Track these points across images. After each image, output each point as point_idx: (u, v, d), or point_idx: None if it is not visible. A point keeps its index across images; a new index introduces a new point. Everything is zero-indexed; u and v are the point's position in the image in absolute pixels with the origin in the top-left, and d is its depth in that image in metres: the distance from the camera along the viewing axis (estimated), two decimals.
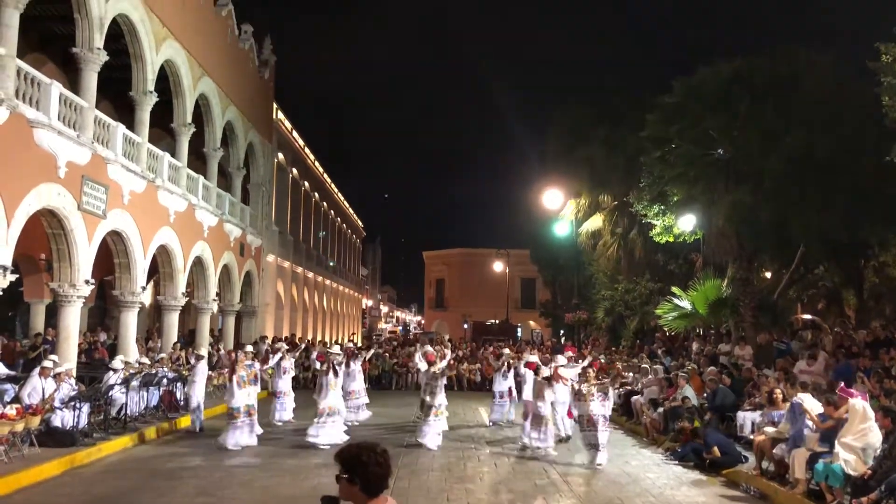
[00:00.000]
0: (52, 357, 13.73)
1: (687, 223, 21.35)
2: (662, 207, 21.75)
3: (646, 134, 20.98)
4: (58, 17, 18.15)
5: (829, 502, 8.95)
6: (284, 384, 17.36)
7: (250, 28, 27.56)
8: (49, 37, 19.54)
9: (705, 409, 14.46)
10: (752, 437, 12.40)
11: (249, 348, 16.52)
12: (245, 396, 13.92)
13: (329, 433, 13.74)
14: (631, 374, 19.84)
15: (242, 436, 13.64)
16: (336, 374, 14.32)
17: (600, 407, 12.77)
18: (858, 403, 9.27)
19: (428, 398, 14.26)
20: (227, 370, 14.50)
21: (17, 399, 12.37)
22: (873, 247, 21.43)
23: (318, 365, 15.94)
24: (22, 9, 13.29)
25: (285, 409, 17.19)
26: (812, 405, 10.48)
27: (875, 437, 8.93)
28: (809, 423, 10.14)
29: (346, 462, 3.31)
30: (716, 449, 11.99)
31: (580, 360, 16.34)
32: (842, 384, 10.57)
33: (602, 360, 20.18)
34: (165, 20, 19.14)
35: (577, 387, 13.46)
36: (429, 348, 16.77)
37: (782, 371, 14.42)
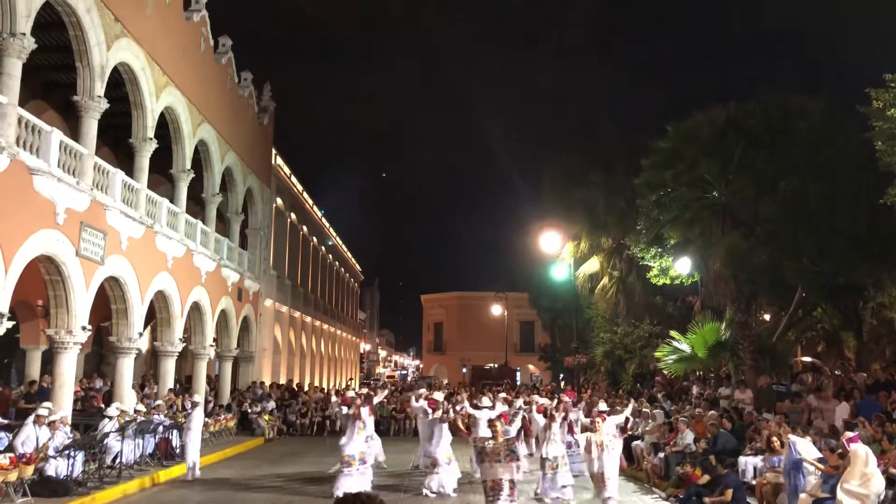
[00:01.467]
0: (46, 404, 13.60)
1: (684, 266, 21.40)
2: (659, 250, 21.82)
3: (640, 181, 21.17)
4: (59, 66, 18.40)
5: None
6: None
7: (250, 75, 27.93)
8: (50, 84, 19.78)
9: (707, 454, 14.30)
10: (753, 482, 12.27)
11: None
12: (361, 442, 13.46)
13: (360, 483, 12.84)
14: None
15: (355, 484, 12.64)
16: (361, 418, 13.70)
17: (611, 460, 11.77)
18: (861, 449, 9.19)
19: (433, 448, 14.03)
20: (349, 413, 13.67)
21: (10, 448, 12.24)
22: (869, 288, 21.44)
23: (344, 409, 14.50)
24: (24, 58, 13.48)
25: None
26: (806, 448, 10.42)
27: (878, 484, 8.84)
28: (810, 466, 10.06)
29: None
30: (729, 492, 11.76)
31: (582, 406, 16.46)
32: (844, 432, 10.50)
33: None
34: (166, 68, 19.39)
35: (586, 439, 12.25)
36: (426, 393, 16.63)
37: (783, 415, 14.33)
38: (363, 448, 13.51)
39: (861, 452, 9.11)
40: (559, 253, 31.71)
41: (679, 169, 19.63)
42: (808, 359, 24.92)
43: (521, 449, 11.24)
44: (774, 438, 12.20)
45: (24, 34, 13.24)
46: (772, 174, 18.28)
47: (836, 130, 18.05)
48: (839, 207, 17.25)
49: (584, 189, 28.90)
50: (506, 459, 9.86)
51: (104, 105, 16.25)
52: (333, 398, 19.50)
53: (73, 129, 17.02)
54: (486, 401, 15.95)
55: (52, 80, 19.61)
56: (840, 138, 17.79)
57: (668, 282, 23.00)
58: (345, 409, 14.42)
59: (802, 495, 9.99)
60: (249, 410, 24.62)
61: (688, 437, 14.93)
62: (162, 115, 19.69)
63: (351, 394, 15.51)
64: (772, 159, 18.39)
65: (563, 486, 13.27)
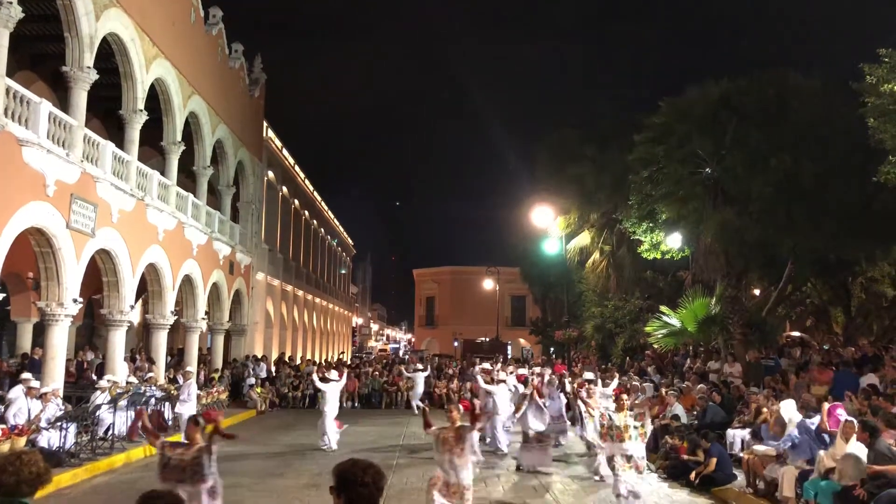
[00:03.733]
0: (27, 375, 13.63)
1: (675, 241, 21.46)
2: (651, 225, 21.87)
3: (633, 157, 21.16)
4: (48, 36, 18.17)
5: None
6: None
7: (241, 47, 27.62)
8: (39, 55, 19.55)
9: (695, 427, 14.47)
10: (741, 454, 12.42)
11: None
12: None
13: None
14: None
15: None
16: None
17: (639, 447, 10.64)
18: (846, 420, 9.31)
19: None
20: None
21: (2, 419, 12.27)
22: (860, 263, 21.59)
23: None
24: (12, 28, 13.30)
25: None
26: (790, 410, 10.61)
27: (861, 453, 8.96)
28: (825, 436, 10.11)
29: (336, 476, 3.40)
30: (713, 461, 11.91)
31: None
32: (829, 402, 10.63)
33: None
34: (156, 39, 19.18)
35: (606, 418, 10.97)
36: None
37: (770, 388, 14.47)
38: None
39: (854, 426, 9.22)
40: (551, 227, 31.78)
41: (671, 145, 19.64)
42: (796, 333, 25.11)
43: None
44: (765, 409, 12.25)
45: (10, 3, 13.03)
46: (765, 151, 18.29)
47: (830, 108, 18.06)
48: (831, 184, 17.31)
49: (576, 164, 28.91)
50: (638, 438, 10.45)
51: (93, 76, 16.08)
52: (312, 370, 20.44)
53: (62, 100, 16.88)
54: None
55: (40, 51, 19.37)
56: (834, 116, 17.80)
57: (658, 256, 23.10)
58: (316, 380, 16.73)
59: (788, 467, 10.12)
60: (244, 383, 24.77)
61: (677, 409, 15.08)
62: (152, 86, 19.51)
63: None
64: (765, 136, 18.40)
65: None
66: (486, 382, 17.03)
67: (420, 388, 24.54)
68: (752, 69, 19.80)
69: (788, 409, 10.99)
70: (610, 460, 10.83)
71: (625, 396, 11.83)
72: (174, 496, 3.45)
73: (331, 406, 16.14)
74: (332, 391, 16.44)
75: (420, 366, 26.92)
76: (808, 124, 17.94)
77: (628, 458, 10.31)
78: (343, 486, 3.35)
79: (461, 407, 8.92)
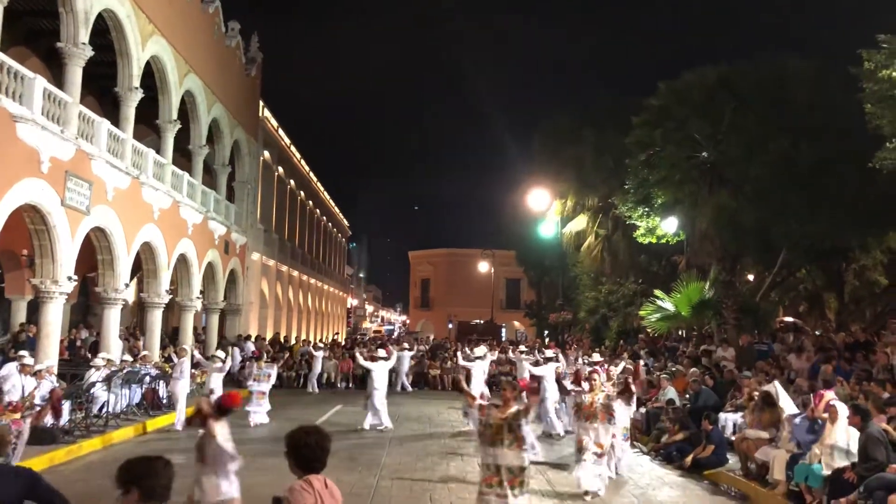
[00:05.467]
0: (21, 352, 13.66)
1: (670, 225, 21.49)
2: (647, 209, 21.87)
3: (630, 140, 21.14)
4: (42, 12, 18.03)
5: (808, 503, 9.04)
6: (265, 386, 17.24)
7: (237, 25, 27.44)
8: (33, 31, 19.40)
9: (688, 410, 14.55)
10: (733, 438, 12.50)
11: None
12: None
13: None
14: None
15: None
16: None
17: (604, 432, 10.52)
18: (839, 406, 9.37)
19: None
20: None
21: None
22: (854, 250, 21.64)
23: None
24: (6, 3, 13.19)
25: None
26: (785, 400, 10.66)
27: (852, 438, 9.03)
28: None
29: (286, 442, 3.90)
30: (711, 448, 12.02)
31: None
32: (821, 387, 10.69)
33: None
34: (152, 16, 19.02)
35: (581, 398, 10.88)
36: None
37: (763, 373, 14.55)
38: None
39: (841, 410, 9.28)
40: (547, 211, 31.80)
41: (669, 128, 19.59)
42: (789, 319, 25.20)
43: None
44: (756, 394, 12.27)
45: None
46: (762, 136, 18.26)
47: (828, 93, 18.02)
48: (828, 170, 17.30)
49: (574, 147, 28.86)
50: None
51: (88, 52, 15.96)
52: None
53: (57, 77, 16.73)
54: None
55: (34, 27, 19.22)
56: (831, 101, 17.76)
57: (654, 241, 23.13)
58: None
59: (779, 450, 10.19)
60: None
61: (670, 393, 15.15)
62: (148, 64, 19.37)
63: None
64: (762, 121, 18.36)
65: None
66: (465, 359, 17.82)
67: (405, 367, 25.43)
68: (750, 53, 19.77)
69: (785, 400, 10.94)
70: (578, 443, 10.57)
71: (595, 376, 11.22)
72: (320, 434, 3.96)
73: (381, 384, 16.30)
74: (381, 370, 16.58)
75: (406, 345, 27.70)
76: (805, 109, 17.90)
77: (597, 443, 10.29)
78: (290, 448, 3.85)
79: (518, 385, 8.17)
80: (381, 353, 18.18)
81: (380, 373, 16.50)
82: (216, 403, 6.62)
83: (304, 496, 3.69)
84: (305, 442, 3.83)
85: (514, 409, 7.50)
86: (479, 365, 17.33)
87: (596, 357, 17.83)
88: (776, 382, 11.59)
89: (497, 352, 25.30)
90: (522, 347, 23.41)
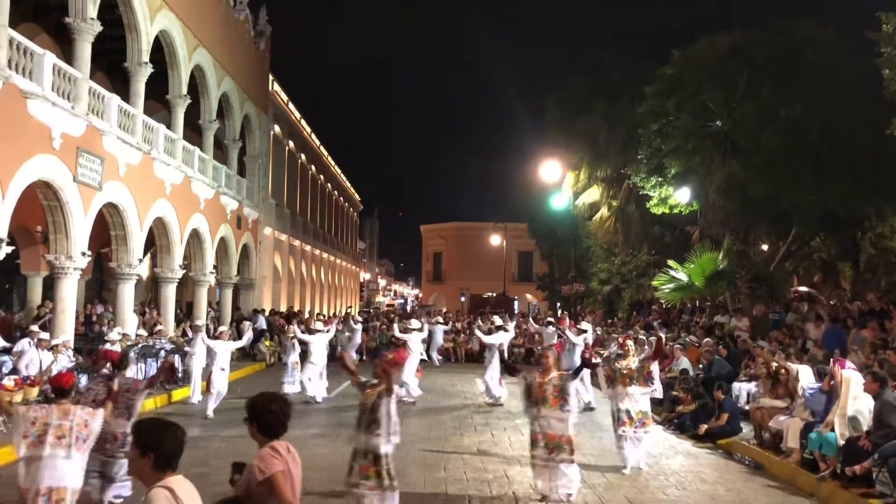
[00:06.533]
0: (34, 327, 13.81)
1: (683, 195, 21.34)
2: (660, 179, 21.72)
3: (643, 109, 20.95)
4: None
5: (822, 471, 9.03)
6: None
7: None
8: (42, 7, 19.30)
9: (701, 380, 14.55)
10: (746, 407, 12.50)
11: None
12: None
13: None
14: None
15: None
16: None
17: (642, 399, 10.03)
18: (853, 375, 9.33)
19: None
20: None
21: (14, 371, 12.42)
22: (870, 218, 21.42)
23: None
24: None
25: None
26: (805, 375, 10.58)
27: (865, 407, 9.00)
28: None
29: (248, 408, 4.01)
30: (725, 416, 12.03)
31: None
32: (836, 356, 10.64)
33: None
34: None
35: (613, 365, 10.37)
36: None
37: (777, 342, 14.50)
38: None
39: (852, 378, 9.24)
40: (559, 183, 31.62)
41: (682, 97, 19.39)
42: (804, 288, 25.08)
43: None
44: (782, 369, 12.03)
45: None
46: (775, 103, 18.03)
47: (843, 59, 17.73)
48: (841, 137, 17.08)
49: (586, 118, 28.64)
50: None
51: (97, 27, 15.91)
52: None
53: (66, 53, 16.71)
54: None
55: (43, 3, 19.13)
56: (847, 67, 17.48)
57: (667, 211, 22.99)
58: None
59: (794, 419, 10.18)
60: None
61: (683, 363, 15.15)
62: (157, 39, 19.31)
63: None
64: (776, 88, 18.11)
65: None
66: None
67: (439, 340, 25.38)
68: (764, 19, 19.48)
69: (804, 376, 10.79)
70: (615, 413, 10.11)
71: (630, 342, 10.80)
72: (283, 401, 4.13)
73: (317, 358, 16.07)
74: (319, 343, 16.36)
75: (415, 323, 25.16)
76: (820, 75, 17.62)
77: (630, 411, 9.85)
78: (253, 415, 3.96)
79: (556, 351, 8.40)
80: (415, 323, 18.25)
81: (318, 345, 16.31)
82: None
83: (273, 461, 3.85)
84: (269, 409, 3.96)
85: (554, 374, 7.97)
86: (416, 336, 17.10)
87: (585, 325, 17.70)
88: (795, 365, 11.30)
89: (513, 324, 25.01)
90: (549, 319, 24.24)
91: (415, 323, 18.44)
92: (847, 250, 24.23)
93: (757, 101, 18.33)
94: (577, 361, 15.25)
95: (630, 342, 10.45)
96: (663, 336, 12.00)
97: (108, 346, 15.00)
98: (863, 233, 23.38)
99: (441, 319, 27.72)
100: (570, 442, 7.90)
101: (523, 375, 8.26)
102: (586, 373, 12.90)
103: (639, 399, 9.89)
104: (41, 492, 5.94)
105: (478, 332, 17.01)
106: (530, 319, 27.26)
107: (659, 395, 10.37)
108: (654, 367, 10.03)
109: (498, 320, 18.75)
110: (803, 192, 17.70)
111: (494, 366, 15.80)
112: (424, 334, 17.63)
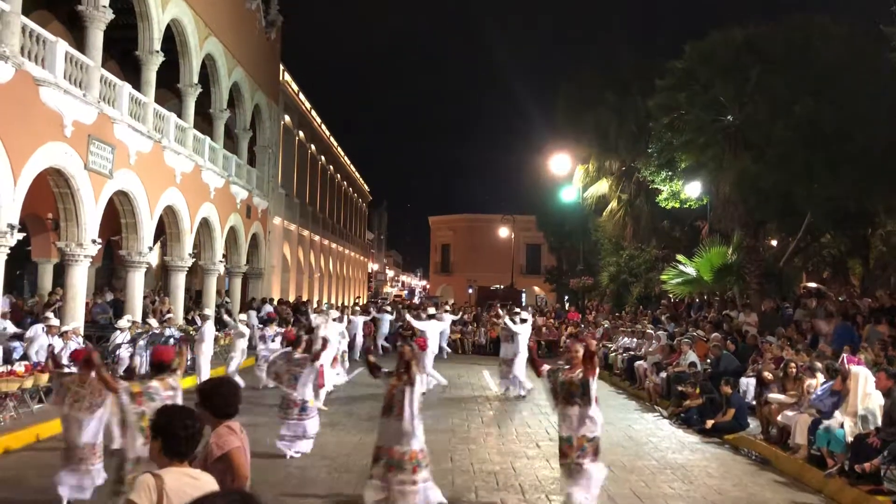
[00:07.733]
0: (47, 314, 13.90)
1: (694, 189, 21.27)
2: (670, 173, 21.65)
3: (654, 102, 20.85)
4: None
5: (829, 467, 9.02)
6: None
7: None
8: None
9: (709, 375, 14.53)
10: (754, 402, 12.48)
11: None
12: None
13: None
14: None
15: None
16: None
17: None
18: (862, 371, 9.30)
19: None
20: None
21: (25, 357, 12.50)
22: (881, 215, 21.30)
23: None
24: None
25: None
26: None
27: (876, 404, 8.97)
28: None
29: (199, 393, 4.11)
30: (732, 411, 12.02)
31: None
32: (845, 354, 10.59)
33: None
34: None
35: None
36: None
37: (785, 338, 14.45)
38: None
39: (861, 374, 9.21)
40: (568, 176, 31.57)
41: (694, 90, 19.29)
42: (813, 284, 24.98)
43: None
44: (792, 365, 11.91)
45: None
46: (788, 98, 17.92)
47: (857, 53, 17.59)
48: (854, 132, 16.96)
49: (596, 111, 28.54)
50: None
51: (109, 15, 15.94)
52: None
53: (78, 41, 16.75)
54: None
55: None
56: (860, 61, 17.35)
57: (677, 205, 22.93)
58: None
59: (802, 414, 10.16)
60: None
61: (690, 357, 15.13)
62: (168, 28, 19.34)
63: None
64: (788, 82, 17.99)
65: None
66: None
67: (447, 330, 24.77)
68: (777, 13, 19.35)
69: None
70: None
71: (579, 346, 7.66)
72: (231, 384, 4.28)
73: (522, 348, 15.59)
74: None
75: (447, 308, 27.09)
76: (834, 70, 17.48)
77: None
78: (206, 399, 4.04)
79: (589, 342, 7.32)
80: (431, 311, 18.38)
81: (331, 333, 16.25)
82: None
83: (230, 438, 3.99)
84: (219, 391, 4.09)
85: (580, 369, 7.26)
86: (434, 325, 17.13)
87: (525, 315, 17.50)
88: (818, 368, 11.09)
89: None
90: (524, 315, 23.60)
91: (431, 310, 18.47)
92: (857, 247, 24.08)
93: (769, 95, 18.22)
94: (520, 350, 15.55)
95: (579, 345, 7.55)
96: (594, 343, 8.07)
97: (117, 333, 15.13)
98: (873, 229, 23.23)
99: (448, 309, 27.69)
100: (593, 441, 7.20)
101: (549, 370, 7.60)
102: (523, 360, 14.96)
103: (585, 422, 7.30)
104: None
105: (507, 323, 16.55)
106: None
107: (598, 420, 7.39)
108: (593, 384, 7.31)
109: (525, 314, 18.39)
110: (816, 187, 17.60)
111: (522, 358, 15.67)
112: (444, 325, 17.57)
